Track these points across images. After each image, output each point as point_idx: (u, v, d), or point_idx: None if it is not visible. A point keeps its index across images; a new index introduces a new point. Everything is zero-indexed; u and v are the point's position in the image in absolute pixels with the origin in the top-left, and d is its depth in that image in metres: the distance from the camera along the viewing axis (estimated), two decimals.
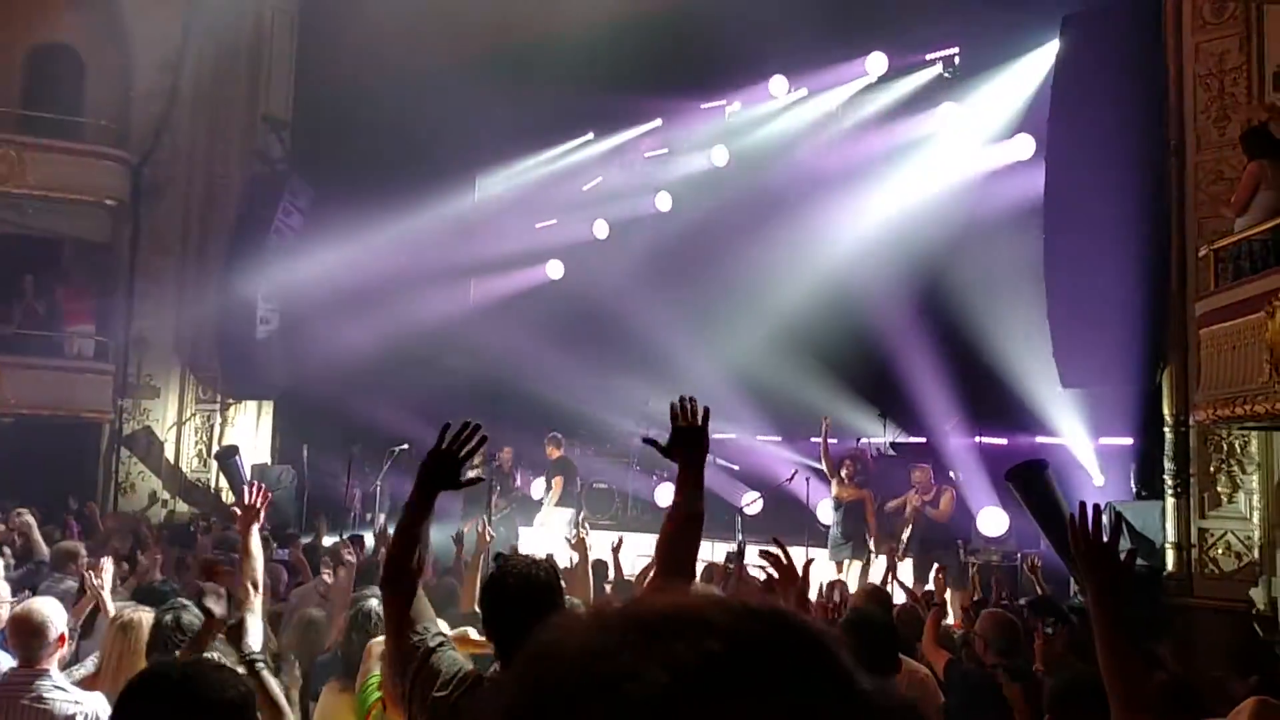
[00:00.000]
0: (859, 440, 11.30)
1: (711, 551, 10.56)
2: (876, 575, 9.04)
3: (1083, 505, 2.48)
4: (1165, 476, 8.59)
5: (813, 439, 12.37)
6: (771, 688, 0.65)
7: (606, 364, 13.73)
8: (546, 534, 11.24)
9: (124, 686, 2.09)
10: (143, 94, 14.45)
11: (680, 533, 2.67)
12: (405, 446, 13.24)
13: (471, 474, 2.65)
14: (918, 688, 4.47)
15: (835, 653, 0.69)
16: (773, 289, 13.43)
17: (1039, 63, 10.94)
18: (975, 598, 7.99)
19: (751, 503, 11.89)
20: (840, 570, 10.32)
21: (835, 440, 11.87)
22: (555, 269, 15.62)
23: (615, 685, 0.64)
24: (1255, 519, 8.06)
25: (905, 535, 9.95)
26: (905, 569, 9.48)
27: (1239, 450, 8.22)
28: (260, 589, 4.24)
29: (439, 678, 2.43)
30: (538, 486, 12.75)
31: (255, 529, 3.95)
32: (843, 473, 10.75)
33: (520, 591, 2.51)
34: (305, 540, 10.54)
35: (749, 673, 0.65)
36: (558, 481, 11.95)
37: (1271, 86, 7.85)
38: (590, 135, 14.86)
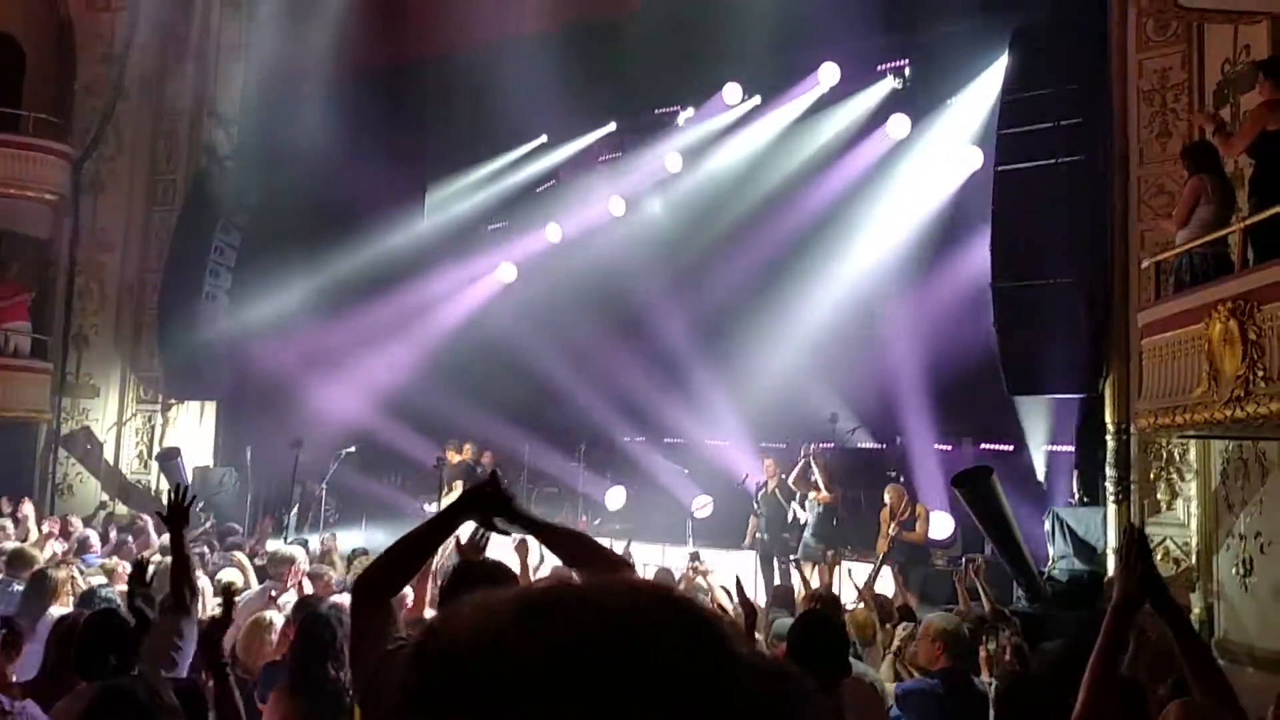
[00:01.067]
0: (810, 446, 11.38)
1: (662, 555, 10.60)
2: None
3: (1130, 528, 2.74)
4: (1107, 483, 8.78)
5: (763, 443, 12.44)
6: (648, 661, 0.66)
7: (558, 367, 13.72)
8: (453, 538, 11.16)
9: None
10: (85, 86, 14.13)
11: (572, 550, 2.64)
12: (352, 449, 13.10)
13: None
14: (865, 693, 4.49)
15: (721, 630, 0.70)
16: (725, 293, 13.53)
17: (988, 76, 11.12)
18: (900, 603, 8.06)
19: (702, 507, 11.95)
20: (810, 572, 10.43)
21: (784, 445, 12.02)
22: (508, 273, 15.55)
23: (498, 659, 0.67)
24: (1193, 525, 8.26)
25: (879, 562, 10.04)
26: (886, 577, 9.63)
27: (1178, 458, 8.43)
28: (197, 594, 4.19)
29: (394, 679, 2.41)
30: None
31: (184, 534, 3.93)
32: (818, 477, 10.86)
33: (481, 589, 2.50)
34: (249, 542, 10.38)
35: (627, 646, 0.67)
36: (457, 485, 12.17)
37: (1212, 103, 8.05)
38: (544, 139, 14.83)
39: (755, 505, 11.28)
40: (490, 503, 2.60)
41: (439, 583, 5.54)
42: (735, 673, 0.68)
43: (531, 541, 5.99)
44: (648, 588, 0.73)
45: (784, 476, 11.17)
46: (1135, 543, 2.60)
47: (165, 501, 4.06)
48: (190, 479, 12.88)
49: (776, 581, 10.44)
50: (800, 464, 11.02)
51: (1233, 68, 7.84)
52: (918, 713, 4.61)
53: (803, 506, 10.95)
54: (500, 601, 0.72)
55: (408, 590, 4.96)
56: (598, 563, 2.53)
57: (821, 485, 10.76)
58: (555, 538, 2.60)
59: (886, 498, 10.46)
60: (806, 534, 10.73)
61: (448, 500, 12.27)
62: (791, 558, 10.36)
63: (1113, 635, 2.57)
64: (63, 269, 13.86)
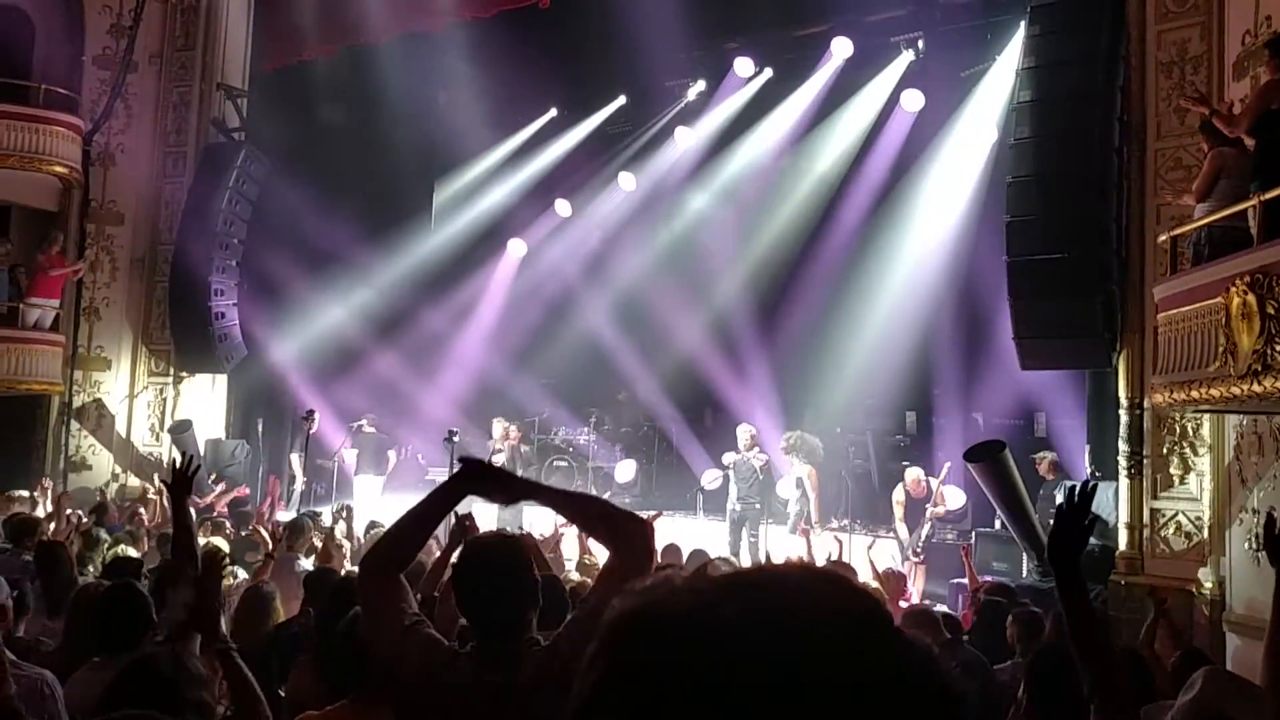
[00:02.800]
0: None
1: (673, 524, 10.65)
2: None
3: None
4: (1120, 457, 8.76)
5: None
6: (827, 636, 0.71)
7: (571, 342, 13.76)
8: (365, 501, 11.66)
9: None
10: (94, 58, 14.07)
11: (581, 513, 2.65)
12: (363, 422, 13.16)
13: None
14: None
15: (888, 616, 0.76)
16: (740, 270, 13.55)
17: (1005, 47, 11.03)
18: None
19: (712, 481, 12.00)
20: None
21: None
22: (517, 248, 15.54)
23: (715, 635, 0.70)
24: (1205, 500, 8.24)
25: (922, 538, 10.11)
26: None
27: (1191, 433, 8.40)
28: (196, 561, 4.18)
29: (416, 654, 2.43)
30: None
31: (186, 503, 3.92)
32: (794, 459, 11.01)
33: (495, 566, 2.52)
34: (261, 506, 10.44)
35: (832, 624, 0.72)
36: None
37: (1232, 76, 7.97)
38: (554, 112, 14.76)
39: (727, 470, 11.32)
40: (486, 478, 2.63)
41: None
42: (903, 652, 0.73)
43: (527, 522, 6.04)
44: (820, 573, 0.79)
45: (762, 453, 11.23)
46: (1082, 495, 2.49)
47: (170, 470, 4.05)
48: (202, 451, 12.96)
49: (745, 549, 10.59)
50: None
51: (1254, 40, 7.74)
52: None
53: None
54: (699, 583, 0.75)
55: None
56: (610, 522, 2.53)
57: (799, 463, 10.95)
58: (559, 501, 2.62)
59: (906, 479, 10.45)
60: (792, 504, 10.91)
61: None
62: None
63: (1065, 586, 2.47)
64: (73, 241, 13.85)
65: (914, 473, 10.46)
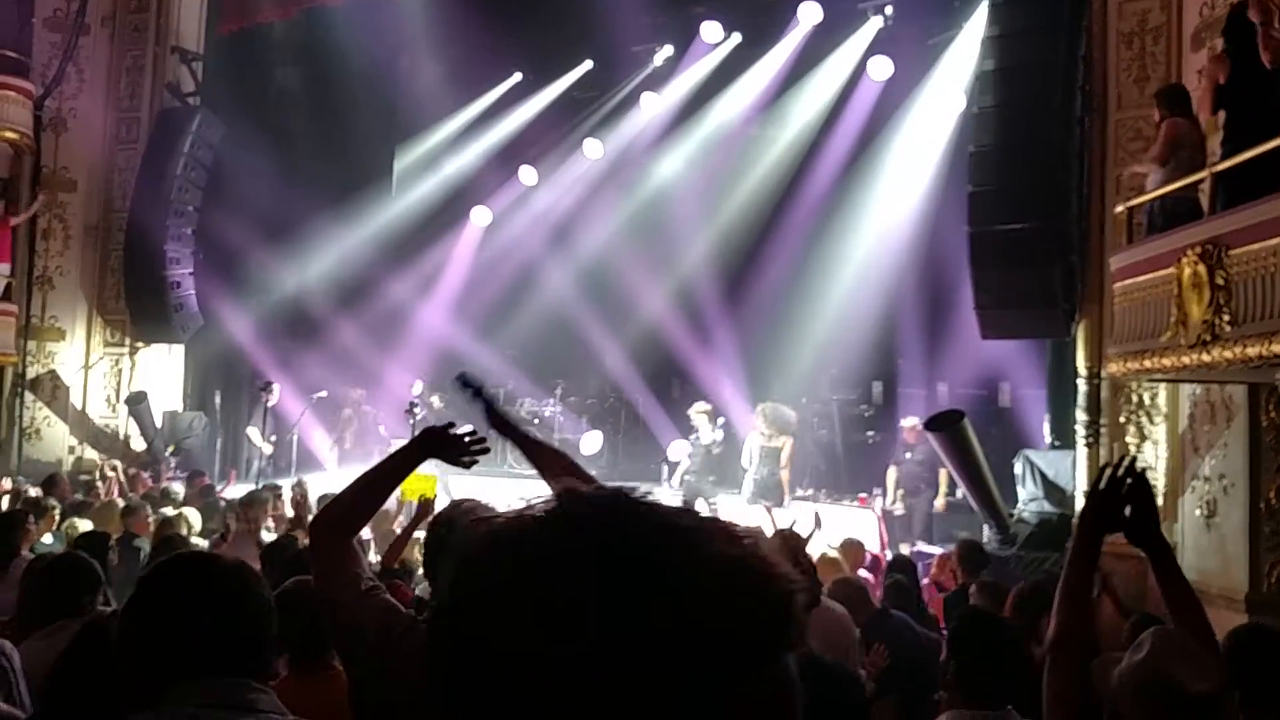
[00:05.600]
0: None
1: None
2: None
3: (1132, 461, 2.53)
4: (1078, 426, 8.85)
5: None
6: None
7: (536, 312, 13.70)
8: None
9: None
10: (45, 21, 13.70)
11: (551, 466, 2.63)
12: (324, 394, 13.03)
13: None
14: (832, 622, 4.60)
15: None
16: (706, 239, 13.51)
17: (973, 16, 11.00)
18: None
19: (679, 453, 12.05)
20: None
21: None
22: (481, 216, 15.38)
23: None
24: (1161, 468, 8.34)
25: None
26: None
27: (1147, 402, 8.49)
28: None
29: (373, 621, 2.38)
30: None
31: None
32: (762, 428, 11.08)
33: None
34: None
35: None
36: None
37: (1190, 47, 7.99)
38: (518, 76, 14.56)
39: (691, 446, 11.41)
40: (450, 445, 2.60)
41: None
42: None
43: None
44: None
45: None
46: (1125, 473, 2.49)
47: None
48: (159, 423, 12.79)
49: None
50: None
51: (1211, 12, 7.76)
52: None
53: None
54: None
55: None
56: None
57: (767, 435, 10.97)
58: (534, 450, 2.59)
59: (904, 433, 10.45)
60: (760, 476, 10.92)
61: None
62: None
63: (1079, 545, 2.53)
64: (24, 210, 13.54)
65: (911, 429, 10.58)
